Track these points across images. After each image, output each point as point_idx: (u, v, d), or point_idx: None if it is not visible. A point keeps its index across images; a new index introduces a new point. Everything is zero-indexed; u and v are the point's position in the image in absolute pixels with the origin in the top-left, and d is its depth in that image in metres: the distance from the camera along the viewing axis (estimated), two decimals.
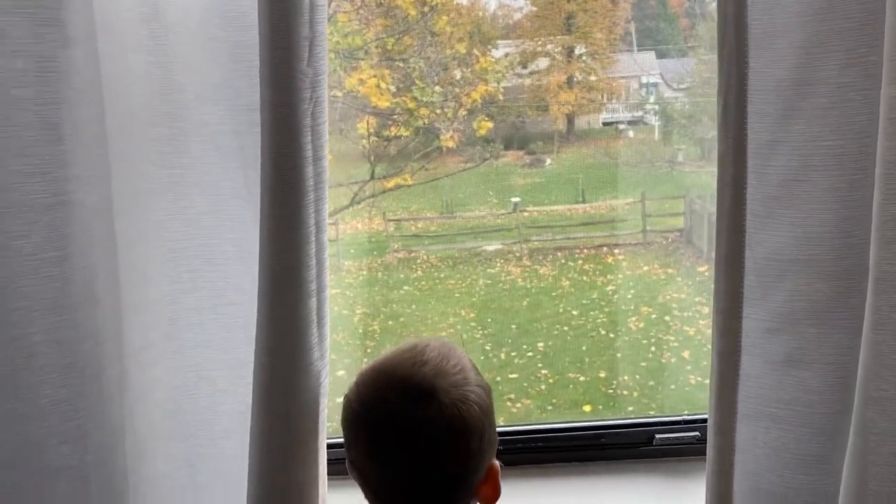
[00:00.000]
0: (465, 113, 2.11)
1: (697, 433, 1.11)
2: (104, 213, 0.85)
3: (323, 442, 0.98)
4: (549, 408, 2.16)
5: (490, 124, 2.15)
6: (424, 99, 2.05)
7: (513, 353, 2.35)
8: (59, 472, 0.82)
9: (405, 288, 2.45)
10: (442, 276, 2.50)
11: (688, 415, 1.16)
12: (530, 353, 2.34)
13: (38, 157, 0.80)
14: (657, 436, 1.17)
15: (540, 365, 2.32)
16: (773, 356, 0.93)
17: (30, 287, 0.79)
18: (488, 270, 2.54)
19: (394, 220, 2.50)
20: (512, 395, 2.20)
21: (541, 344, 2.38)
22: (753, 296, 0.93)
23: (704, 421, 1.00)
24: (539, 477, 1.20)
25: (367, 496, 0.86)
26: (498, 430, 1.10)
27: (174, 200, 0.94)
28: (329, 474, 1.01)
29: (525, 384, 2.25)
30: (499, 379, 2.22)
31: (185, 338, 0.98)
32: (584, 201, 2.57)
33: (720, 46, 0.84)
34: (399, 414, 0.82)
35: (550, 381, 2.27)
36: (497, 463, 0.90)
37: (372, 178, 2.21)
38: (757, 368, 0.94)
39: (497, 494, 0.90)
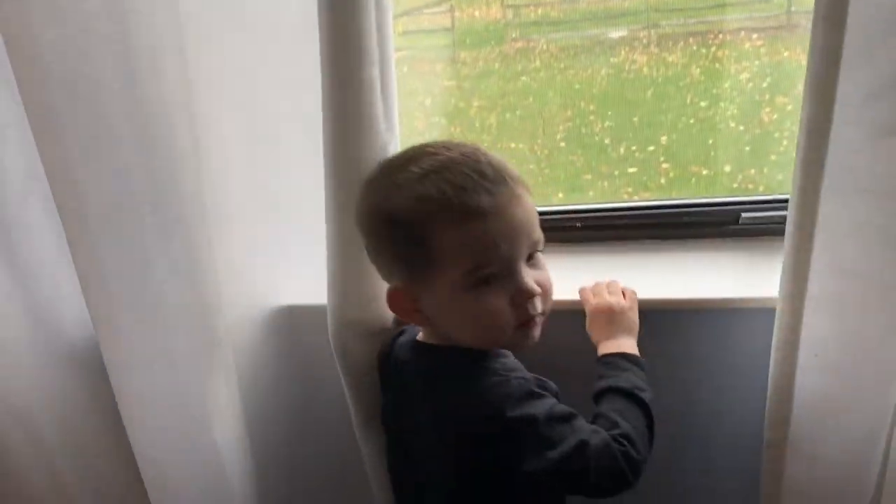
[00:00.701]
0: None
1: (786, 213, 1.06)
2: None
3: None
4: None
5: None
6: None
7: (633, 147, 2.26)
8: (147, 229, 0.91)
9: (523, 79, 2.36)
10: (562, 66, 2.38)
11: (777, 194, 1.11)
12: (652, 147, 2.24)
13: None
14: (744, 215, 1.13)
15: (662, 159, 2.23)
16: (870, 125, 0.85)
17: (99, 59, 0.82)
18: (612, 59, 2.39)
19: (512, 5, 2.38)
20: (630, 189, 2.14)
21: (664, 137, 2.27)
22: (854, 56, 0.84)
23: None
24: (622, 253, 1.21)
25: None
26: (582, 206, 1.08)
27: None
28: None
29: (644, 178, 2.18)
30: (616, 173, 2.16)
31: (256, 109, 1.02)
32: None
33: None
34: None
35: (671, 174, 2.18)
36: (398, 292, 0.90)
37: None
38: (850, 138, 0.86)
39: (392, 311, 0.94)
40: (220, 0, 0.95)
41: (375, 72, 0.90)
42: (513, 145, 2.12)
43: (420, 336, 1.01)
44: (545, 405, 0.88)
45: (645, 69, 2.27)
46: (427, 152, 0.88)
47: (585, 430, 0.88)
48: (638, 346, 1.03)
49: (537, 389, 0.90)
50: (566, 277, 1.14)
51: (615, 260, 1.20)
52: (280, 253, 1.12)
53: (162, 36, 0.85)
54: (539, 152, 2.09)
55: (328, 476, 1.28)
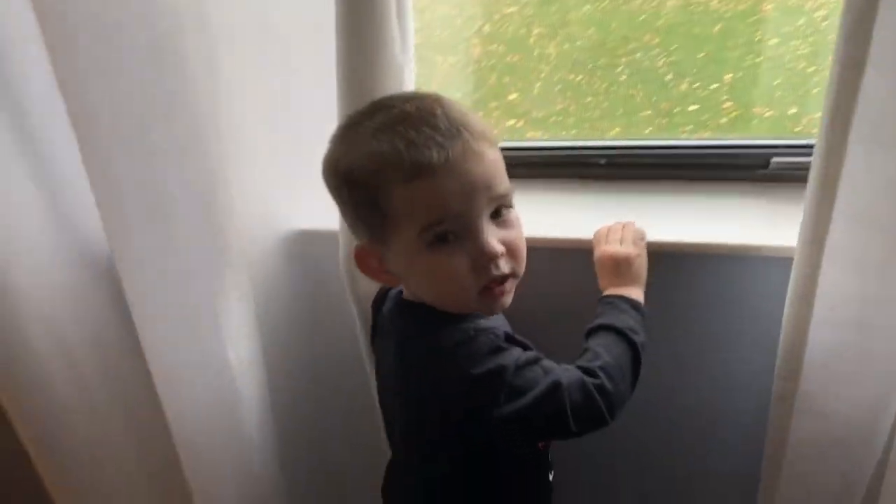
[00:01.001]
0: None
1: None
2: None
3: None
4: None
5: None
6: None
7: (695, 84, 2.17)
8: (161, 146, 0.92)
9: (586, 8, 2.28)
10: None
11: (810, 139, 1.05)
12: (715, 85, 2.15)
13: None
14: (774, 159, 1.08)
15: (725, 97, 2.13)
16: None
17: None
18: None
19: None
20: (689, 127, 2.07)
21: (728, 75, 2.17)
22: None
23: None
24: (644, 192, 1.18)
25: None
26: (607, 143, 1.05)
27: None
28: None
29: (705, 117, 2.09)
30: (676, 110, 2.08)
31: (271, 33, 1.01)
32: None
33: None
34: None
35: (733, 114, 2.09)
36: (363, 251, 0.91)
37: None
38: (884, 84, 0.81)
39: (361, 272, 0.93)
40: None
41: None
42: (571, 76, 2.06)
43: (405, 292, 0.99)
44: (512, 356, 0.85)
45: (714, 2, 2.16)
46: (385, 105, 0.86)
47: (556, 370, 0.87)
48: (654, 287, 1.01)
49: (504, 344, 0.87)
50: (586, 215, 1.12)
51: (637, 199, 1.17)
52: (294, 177, 1.13)
53: None
54: (598, 85, 2.03)
55: (338, 395, 1.31)
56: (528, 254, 0.93)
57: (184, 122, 0.91)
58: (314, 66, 1.03)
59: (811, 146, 1.02)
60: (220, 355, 1.05)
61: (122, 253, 0.94)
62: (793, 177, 1.07)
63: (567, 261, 1.09)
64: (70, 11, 0.79)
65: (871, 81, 0.80)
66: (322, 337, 1.26)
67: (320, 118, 1.00)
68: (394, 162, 0.81)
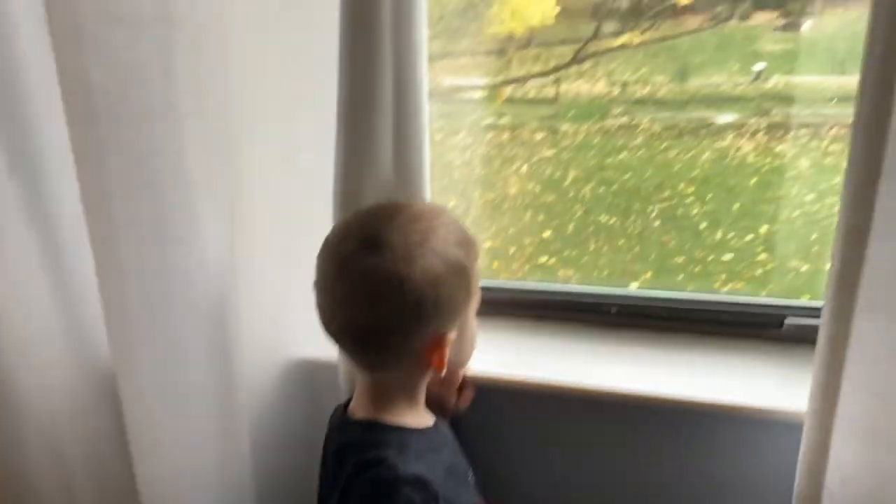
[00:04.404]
0: None
1: None
2: None
3: None
4: (763, 294, 1.98)
5: None
6: None
7: (730, 235, 2.18)
8: (173, 264, 0.94)
9: (622, 155, 2.34)
10: (663, 146, 2.34)
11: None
12: (751, 237, 2.15)
13: None
14: (787, 320, 1.06)
15: (760, 249, 2.13)
16: None
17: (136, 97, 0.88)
18: (716, 144, 2.34)
19: (619, 82, 2.37)
20: (723, 276, 2.05)
21: (764, 228, 2.17)
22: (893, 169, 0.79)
23: None
24: (653, 345, 1.16)
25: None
26: (618, 293, 1.05)
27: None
28: None
29: (739, 267, 2.09)
30: (710, 258, 2.08)
31: (292, 148, 1.05)
32: (843, 73, 2.22)
33: None
34: (343, 253, 0.87)
35: (768, 266, 2.08)
36: (451, 336, 0.89)
37: (596, 35, 2.09)
38: (887, 254, 0.80)
39: (440, 365, 0.89)
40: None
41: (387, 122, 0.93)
42: (603, 219, 2.09)
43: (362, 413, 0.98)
44: None
45: (750, 157, 2.19)
46: (427, 218, 0.90)
47: None
48: (656, 445, 0.98)
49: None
50: (592, 363, 1.10)
51: (645, 352, 1.14)
52: (303, 304, 1.13)
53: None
54: (631, 229, 2.04)
55: None
56: (519, 396, 1.05)
57: (196, 242, 0.93)
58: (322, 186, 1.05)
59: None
60: (216, 481, 1.03)
61: (124, 369, 0.95)
62: (806, 339, 1.04)
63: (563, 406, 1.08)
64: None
65: (875, 250, 0.79)
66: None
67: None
68: (472, 244, 0.93)
